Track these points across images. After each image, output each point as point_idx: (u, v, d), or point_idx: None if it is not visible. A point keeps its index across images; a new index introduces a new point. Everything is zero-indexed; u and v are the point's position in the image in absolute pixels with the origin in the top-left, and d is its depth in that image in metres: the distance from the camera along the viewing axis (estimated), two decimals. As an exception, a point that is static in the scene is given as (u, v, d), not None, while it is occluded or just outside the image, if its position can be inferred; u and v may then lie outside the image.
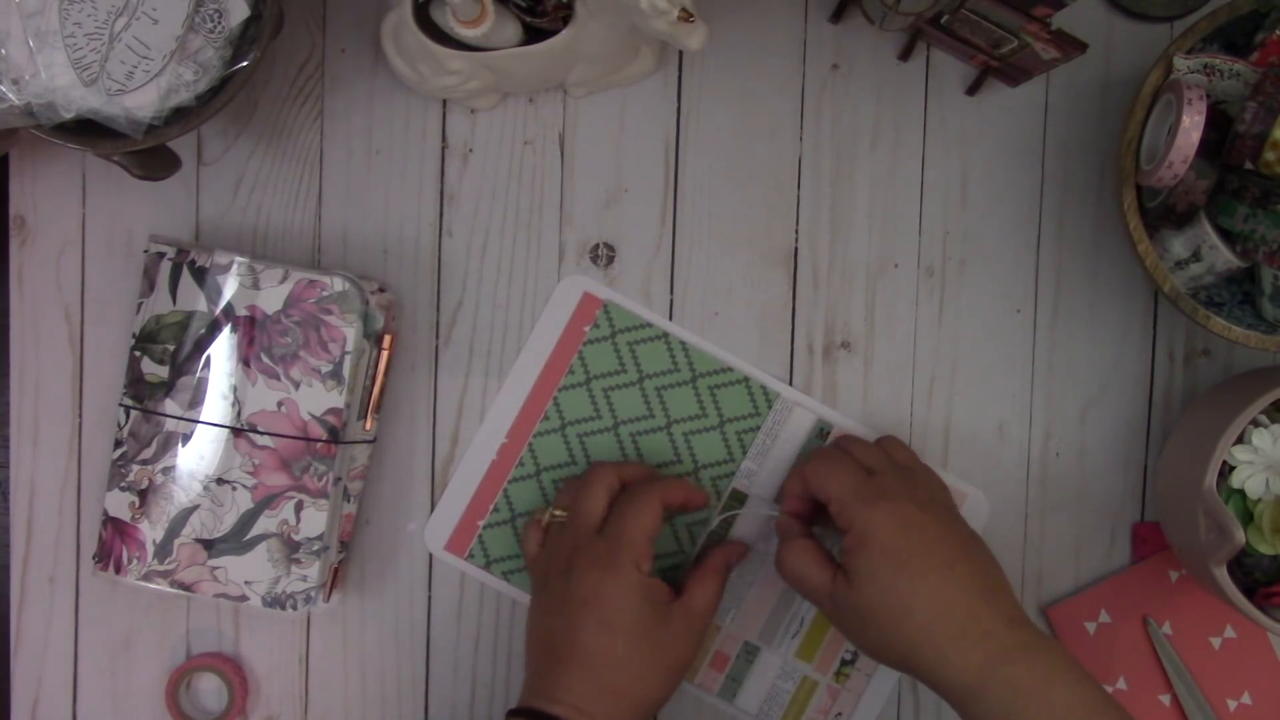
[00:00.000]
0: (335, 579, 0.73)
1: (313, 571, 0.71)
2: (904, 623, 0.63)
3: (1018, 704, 0.61)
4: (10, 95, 0.63)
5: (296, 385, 0.70)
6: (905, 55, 0.76)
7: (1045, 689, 0.61)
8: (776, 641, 0.76)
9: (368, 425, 0.73)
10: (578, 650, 0.66)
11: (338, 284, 0.70)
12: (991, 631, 0.62)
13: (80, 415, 0.76)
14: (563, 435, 0.76)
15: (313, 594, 0.72)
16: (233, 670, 0.76)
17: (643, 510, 0.69)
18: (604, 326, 0.76)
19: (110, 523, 0.71)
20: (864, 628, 0.65)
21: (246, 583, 0.71)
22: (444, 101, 0.76)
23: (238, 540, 0.71)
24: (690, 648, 0.69)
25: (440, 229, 0.76)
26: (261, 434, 0.70)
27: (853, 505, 0.65)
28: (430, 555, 0.77)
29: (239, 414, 0.70)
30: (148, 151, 0.66)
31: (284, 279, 0.70)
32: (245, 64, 0.65)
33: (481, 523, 0.76)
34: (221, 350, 0.70)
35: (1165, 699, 0.76)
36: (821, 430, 0.76)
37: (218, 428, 0.70)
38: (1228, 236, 0.67)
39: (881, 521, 0.64)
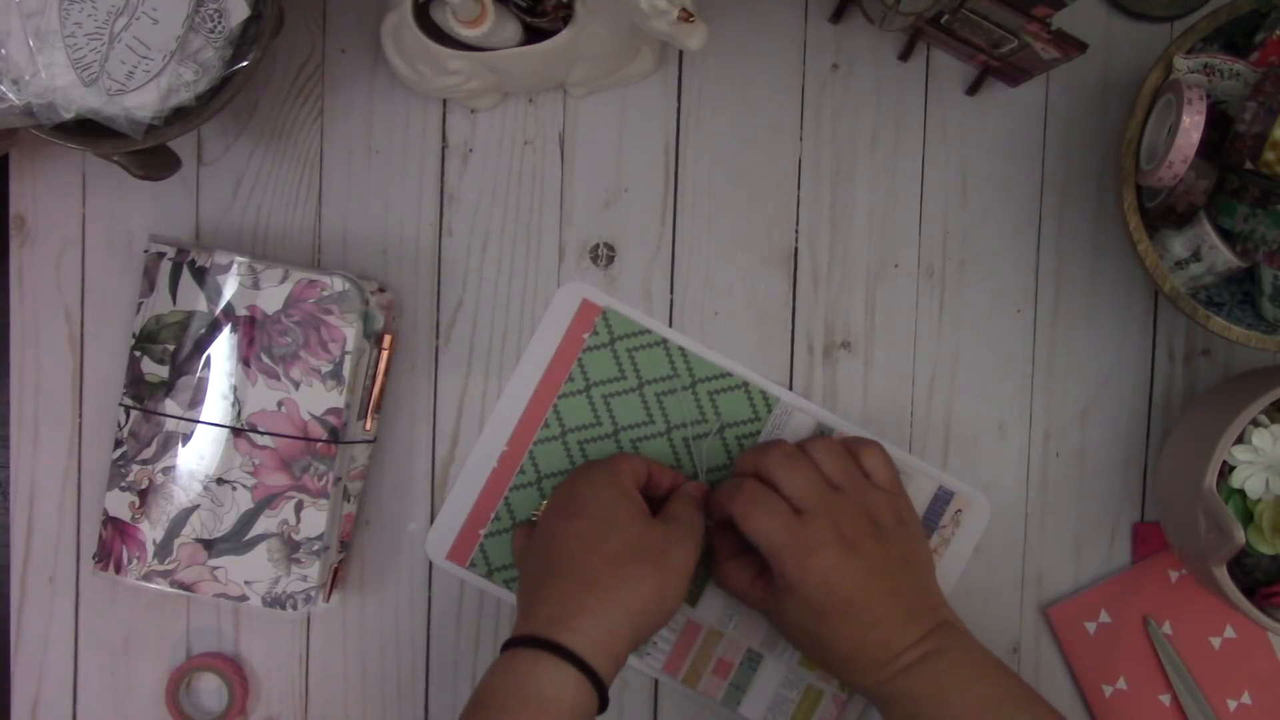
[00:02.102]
0: (335, 579, 0.73)
1: (313, 571, 0.71)
2: (822, 655, 0.69)
3: (920, 710, 0.66)
4: (10, 95, 0.63)
5: (296, 385, 0.70)
6: (905, 55, 0.76)
7: (943, 693, 0.66)
8: (780, 649, 0.76)
9: (368, 425, 0.73)
10: (549, 552, 0.66)
11: (338, 284, 0.70)
12: (900, 654, 0.67)
13: (80, 415, 0.76)
14: (563, 443, 0.76)
15: (313, 594, 0.72)
16: (233, 670, 0.76)
17: (630, 455, 0.72)
18: (603, 333, 0.76)
19: (110, 523, 0.71)
20: (789, 641, 0.72)
21: (246, 583, 0.71)
22: (444, 101, 0.76)
23: (238, 540, 0.71)
24: (675, 555, 0.66)
25: (440, 229, 0.76)
26: (261, 434, 0.70)
27: (783, 559, 0.67)
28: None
29: (239, 414, 0.70)
30: (148, 151, 0.66)
31: (284, 279, 0.70)
32: (245, 64, 0.65)
33: (483, 531, 0.76)
34: (221, 350, 0.70)
35: (1165, 699, 0.76)
36: (821, 434, 0.76)
37: (218, 428, 0.70)
38: (1228, 236, 0.67)
39: (809, 579, 0.67)
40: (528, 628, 0.63)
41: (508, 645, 0.64)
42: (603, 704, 0.63)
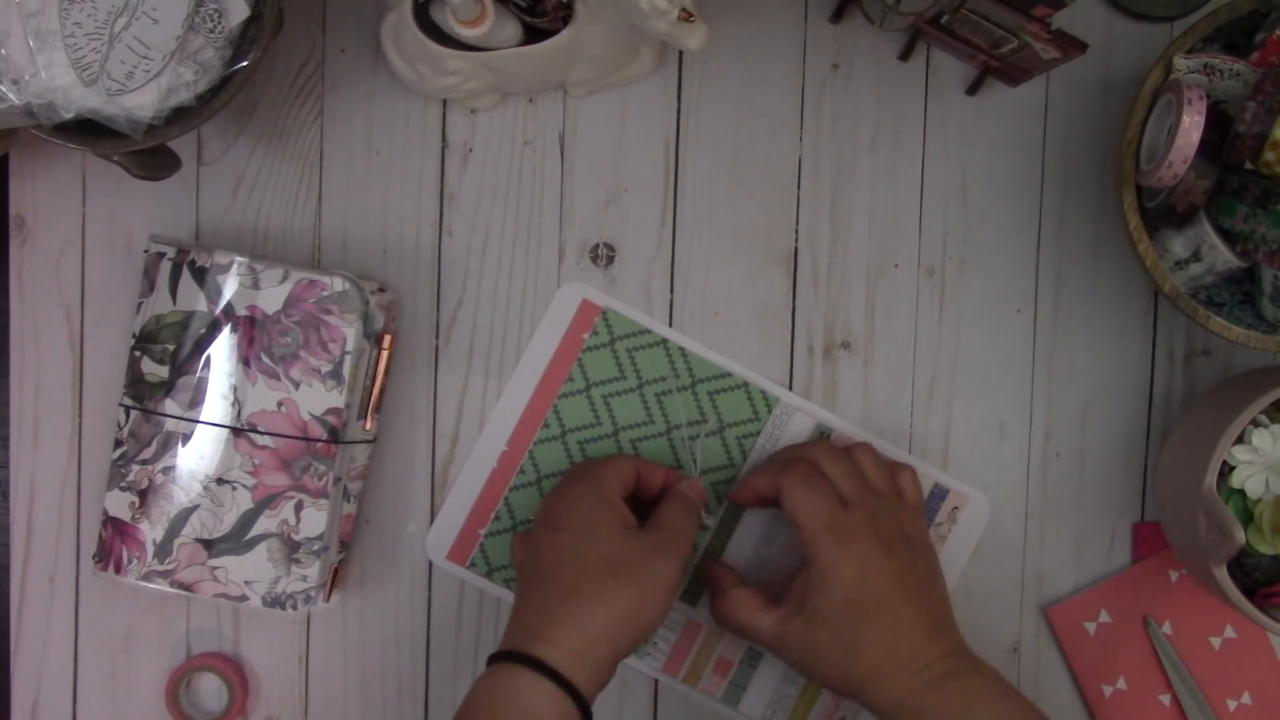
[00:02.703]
0: (335, 579, 0.73)
1: (313, 571, 0.71)
2: (851, 662, 0.67)
3: None
4: (10, 95, 0.63)
5: (296, 385, 0.70)
6: (905, 55, 0.76)
7: (970, 710, 0.65)
8: None
9: (368, 425, 0.73)
10: (532, 567, 0.67)
11: (338, 284, 0.70)
12: (929, 664, 0.66)
13: (80, 415, 0.76)
14: (563, 443, 0.76)
15: (313, 594, 0.72)
16: (233, 670, 0.76)
17: (611, 458, 0.71)
18: (603, 333, 0.76)
19: (110, 523, 0.71)
20: (811, 660, 0.68)
21: (246, 583, 0.71)
22: (444, 101, 0.76)
23: (238, 540, 0.71)
24: (658, 568, 0.66)
25: (440, 229, 0.76)
26: (261, 434, 0.70)
27: (823, 541, 0.67)
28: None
29: (239, 414, 0.70)
30: (148, 151, 0.66)
31: (284, 279, 0.70)
32: (245, 64, 0.65)
33: (483, 531, 0.76)
34: (221, 350, 0.70)
35: (1165, 699, 0.76)
36: (822, 434, 0.76)
37: (218, 428, 0.70)
38: (1228, 236, 0.67)
39: (846, 566, 0.66)
40: (508, 641, 0.64)
41: (492, 659, 0.64)
42: (585, 717, 0.63)
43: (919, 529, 0.71)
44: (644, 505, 0.71)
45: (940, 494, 0.76)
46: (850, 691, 0.68)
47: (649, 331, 0.76)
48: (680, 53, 0.76)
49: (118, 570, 0.71)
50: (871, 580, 0.66)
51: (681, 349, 0.76)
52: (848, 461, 0.70)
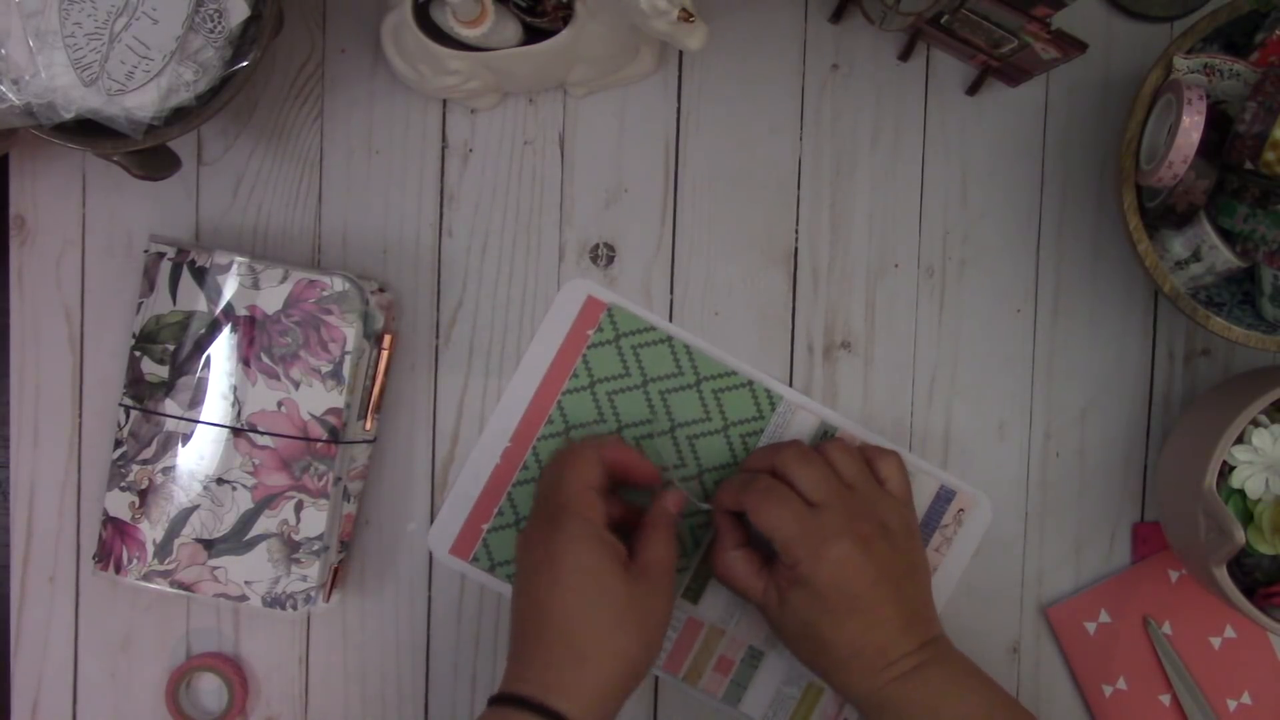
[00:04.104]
0: (335, 579, 0.73)
1: (313, 571, 0.71)
2: (819, 652, 0.68)
3: (911, 718, 0.66)
4: (10, 95, 0.63)
5: (296, 385, 0.70)
6: (905, 55, 0.76)
7: (936, 703, 0.66)
8: (781, 647, 0.76)
9: (368, 425, 0.73)
10: (536, 616, 0.66)
11: (338, 284, 0.70)
12: (898, 660, 0.67)
13: (80, 415, 0.76)
14: (567, 439, 0.76)
15: (313, 594, 0.72)
16: (233, 670, 0.76)
17: (577, 462, 0.69)
18: (607, 330, 0.76)
19: (110, 523, 0.71)
20: (783, 638, 0.71)
21: (246, 583, 0.71)
22: (444, 101, 0.76)
23: (238, 540, 0.71)
24: (655, 609, 0.67)
25: (440, 229, 0.76)
26: (261, 434, 0.70)
27: (796, 548, 0.67)
28: (430, 555, 0.77)
29: (239, 414, 0.70)
30: (148, 151, 0.66)
31: (284, 279, 0.70)
32: (245, 64, 0.65)
33: (486, 526, 0.76)
34: (221, 350, 0.70)
35: (1165, 699, 0.76)
36: (825, 433, 0.76)
37: (218, 428, 0.70)
38: (1228, 236, 0.67)
39: (821, 569, 0.67)
40: (523, 688, 0.64)
41: (500, 699, 0.64)
42: None
43: (901, 518, 0.70)
44: (623, 491, 0.73)
45: (947, 496, 0.76)
46: (819, 675, 0.70)
47: (654, 329, 0.76)
48: (680, 53, 0.76)
49: (118, 570, 0.71)
50: (847, 583, 0.66)
51: (686, 346, 0.76)
52: (817, 462, 0.69)
